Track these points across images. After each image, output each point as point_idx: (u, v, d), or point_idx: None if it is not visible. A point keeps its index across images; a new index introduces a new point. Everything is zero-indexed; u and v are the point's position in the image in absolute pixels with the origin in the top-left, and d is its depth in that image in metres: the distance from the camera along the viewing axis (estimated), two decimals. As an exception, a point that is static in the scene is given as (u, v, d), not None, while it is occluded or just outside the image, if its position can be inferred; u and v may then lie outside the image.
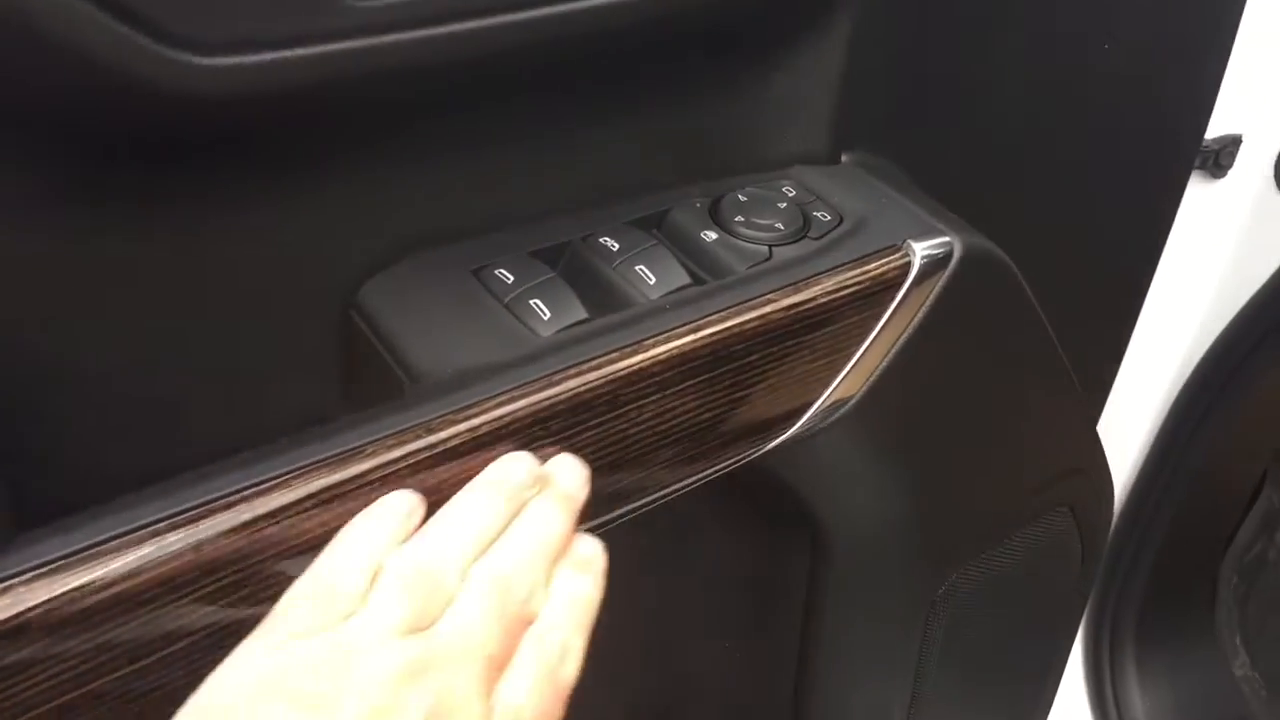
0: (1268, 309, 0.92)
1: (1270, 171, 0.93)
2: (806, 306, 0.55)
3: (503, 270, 0.53)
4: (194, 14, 0.38)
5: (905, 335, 0.59)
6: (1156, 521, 1.03)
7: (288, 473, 0.41)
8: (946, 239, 0.59)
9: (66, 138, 0.41)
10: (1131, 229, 0.86)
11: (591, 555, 0.45)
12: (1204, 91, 0.83)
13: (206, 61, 0.39)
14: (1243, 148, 0.92)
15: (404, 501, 0.43)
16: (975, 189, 0.70)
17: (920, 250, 0.58)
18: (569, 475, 0.46)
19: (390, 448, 0.43)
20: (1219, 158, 0.93)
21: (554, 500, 0.45)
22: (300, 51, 0.41)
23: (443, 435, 0.44)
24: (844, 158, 0.65)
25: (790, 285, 0.54)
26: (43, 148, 0.41)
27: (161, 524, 0.39)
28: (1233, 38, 0.81)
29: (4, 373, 0.44)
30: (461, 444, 0.45)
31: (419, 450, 0.44)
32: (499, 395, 0.46)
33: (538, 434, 0.47)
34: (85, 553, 0.38)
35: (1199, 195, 0.92)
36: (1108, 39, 0.73)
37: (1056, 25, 0.70)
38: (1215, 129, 0.90)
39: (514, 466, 0.45)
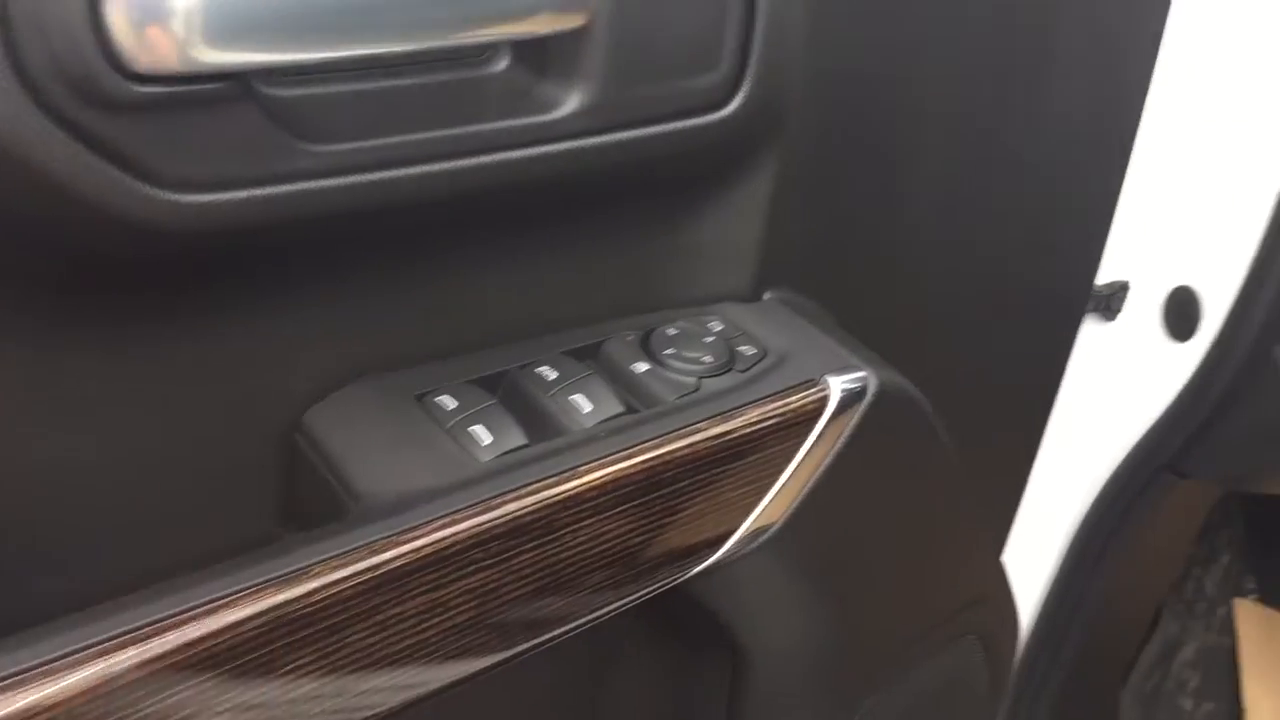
0: (1159, 448, 0.98)
1: (1158, 316, 1.00)
2: (732, 436, 0.57)
3: (445, 397, 0.55)
4: (171, 155, 0.41)
5: (824, 466, 0.62)
6: (1061, 652, 1.06)
7: (235, 592, 0.43)
8: (863, 374, 0.63)
9: (41, 265, 0.43)
10: (1030, 367, 0.91)
11: None
12: (1093, 240, 0.89)
13: (179, 198, 0.41)
14: (1130, 293, 0.99)
15: None
16: (888, 326, 0.75)
17: (838, 385, 0.62)
18: None
19: (335, 568, 0.45)
20: (1110, 302, 1.00)
21: None
22: (262, 191, 0.44)
23: (386, 556, 0.46)
24: (767, 295, 0.69)
25: (717, 415, 0.57)
26: (19, 273, 0.43)
27: (109, 643, 0.40)
28: (1118, 193, 0.88)
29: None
30: (404, 565, 0.46)
31: (363, 571, 0.45)
32: (441, 518, 0.48)
33: (477, 556, 0.48)
34: (31, 672, 0.39)
35: (1093, 337, 0.98)
36: (1008, 191, 0.79)
37: (962, 178, 0.75)
38: (1106, 275, 0.96)
39: None
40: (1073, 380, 0.96)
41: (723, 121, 0.58)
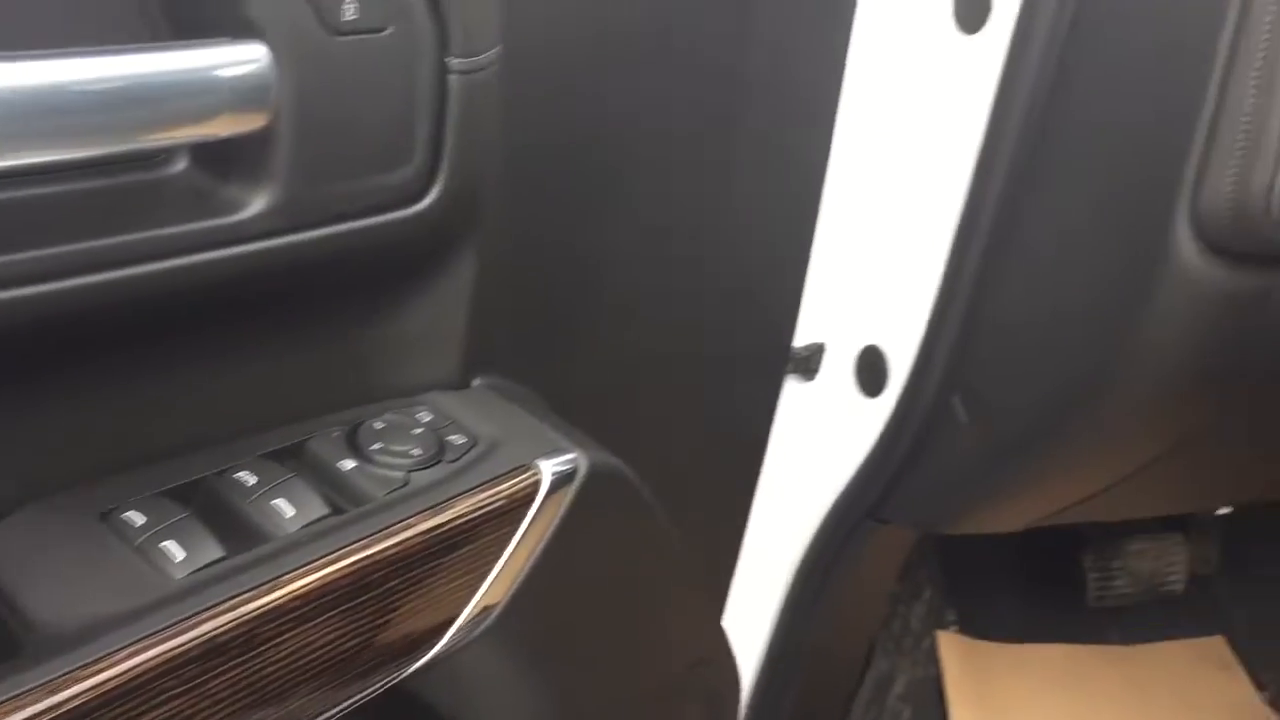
0: (860, 498, 1.04)
1: (852, 374, 1.06)
2: (443, 529, 0.57)
3: (132, 513, 0.52)
4: None
5: (538, 551, 0.63)
6: (782, 702, 1.10)
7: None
8: (573, 456, 0.64)
9: None
10: (738, 431, 0.96)
11: None
12: (788, 305, 0.95)
13: None
14: (826, 353, 1.05)
15: None
16: (598, 403, 0.76)
17: (549, 469, 0.63)
18: None
19: (6, 712, 0.41)
20: (808, 362, 1.06)
21: None
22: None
23: (67, 694, 0.43)
24: (476, 381, 0.69)
25: (427, 510, 0.57)
26: None
27: None
28: (807, 260, 0.94)
29: None
30: (88, 702, 0.43)
31: (40, 713, 0.42)
32: (127, 646, 0.45)
33: (169, 684, 0.46)
34: None
35: (796, 396, 1.04)
36: (706, 264, 0.83)
37: (662, 254, 0.78)
38: (804, 338, 1.02)
39: None
40: (779, 440, 1.01)
41: (418, 215, 0.58)
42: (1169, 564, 1.37)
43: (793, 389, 1.03)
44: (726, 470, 0.95)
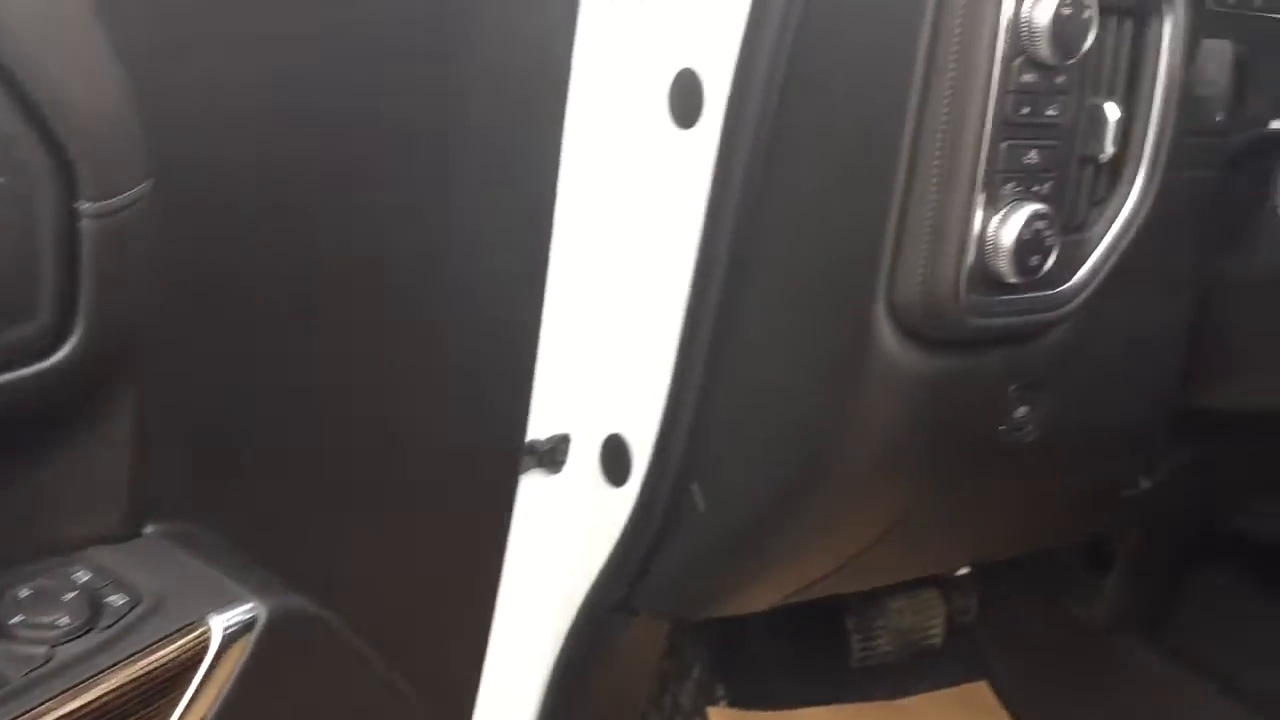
0: (609, 590, 1.02)
1: (597, 464, 1.06)
2: (89, 709, 0.53)
3: None
4: None
5: (213, 713, 0.59)
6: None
7: None
8: (249, 605, 0.61)
9: None
10: (473, 539, 0.93)
11: None
12: (518, 399, 0.94)
13: None
14: (572, 444, 1.04)
15: None
16: (301, 533, 0.73)
17: (220, 623, 0.59)
18: None
19: None
20: (554, 454, 1.04)
21: None
22: None
23: None
24: (149, 529, 0.65)
25: (68, 690, 0.53)
26: None
27: None
28: (535, 350, 0.93)
29: None
30: None
31: None
32: None
33: None
34: None
35: (542, 490, 1.02)
36: (419, 367, 0.81)
37: (366, 363, 0.76)
38: (548, 429, 1.01)
39: None
40: (525, 538, 1.00)
41: (52, 370, 0.55)
42: (928, 619, 1.41)
43: (539, 483, 1.02)
44: (462, 583, 0.92)
